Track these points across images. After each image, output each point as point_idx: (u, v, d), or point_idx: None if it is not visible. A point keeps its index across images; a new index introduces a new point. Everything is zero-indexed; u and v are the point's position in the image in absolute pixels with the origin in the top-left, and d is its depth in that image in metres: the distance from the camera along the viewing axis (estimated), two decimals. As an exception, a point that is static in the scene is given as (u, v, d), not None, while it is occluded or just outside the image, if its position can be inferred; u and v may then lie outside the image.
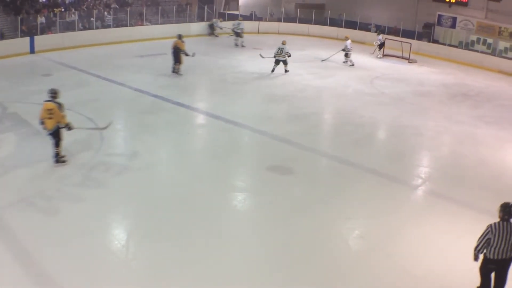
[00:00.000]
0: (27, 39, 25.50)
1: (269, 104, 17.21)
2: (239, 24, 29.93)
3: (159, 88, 17.89)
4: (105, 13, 30.79)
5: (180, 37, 20.75)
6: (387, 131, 15.75)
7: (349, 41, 23.92)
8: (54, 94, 11.21)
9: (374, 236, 9.07)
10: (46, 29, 27.64)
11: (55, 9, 28.84)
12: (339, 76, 22.03)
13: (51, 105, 10.98)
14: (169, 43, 28.36)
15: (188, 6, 35.01)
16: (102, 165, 11.33)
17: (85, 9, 30.23)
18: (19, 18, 26.08)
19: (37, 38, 25.51)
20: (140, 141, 12.99)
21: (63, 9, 29.37)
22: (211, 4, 37.27)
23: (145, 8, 32.49)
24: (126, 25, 30.35)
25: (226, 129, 14.18)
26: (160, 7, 32.84)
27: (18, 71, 21.35)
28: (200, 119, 15.31)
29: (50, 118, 10.93)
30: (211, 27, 33.17)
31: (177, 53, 20.37)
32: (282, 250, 8.43)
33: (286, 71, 21.59)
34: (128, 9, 31.24)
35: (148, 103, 16.25)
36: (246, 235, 9.00)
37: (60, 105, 11.16)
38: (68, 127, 11.27)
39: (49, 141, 11.45)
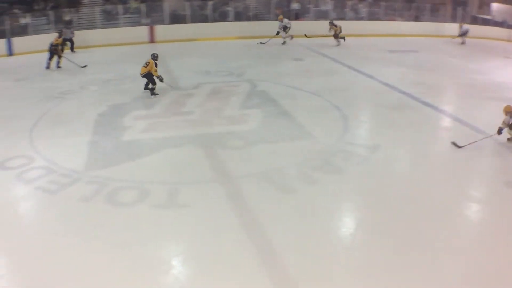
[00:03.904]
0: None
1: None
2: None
3: (407, 85, 17.27)
4: (359, 5, 30.93)
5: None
6: None
7: None
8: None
9: None
10: (300, 15, 28.51)
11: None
12: None
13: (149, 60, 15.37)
14: (420, 41, 27.81)
15: (441, 6, 33.88)
16: (343, 153, 11.14)
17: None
18: (272, 1, 27.22)
19: (292, 23, 26.41)
20: (382, 135, 12.61)
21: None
22: (465, 6, 35.64)
23: (399, 4, 32.05)
24: (379, 19, 30.21)
25: (470, 136, 13.24)
26: (414, 4, 32.17)
27: (271, 53, 22.27)
28: (445, 122, 14.52)
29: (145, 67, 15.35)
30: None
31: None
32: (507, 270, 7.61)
33: None
34: (383, 3, 31.06)
35: (395, 99, 15.77)
36: (472, 248, 8.01)
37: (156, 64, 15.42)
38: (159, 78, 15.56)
39: (297, 124, 12.69)
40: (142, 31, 26.40)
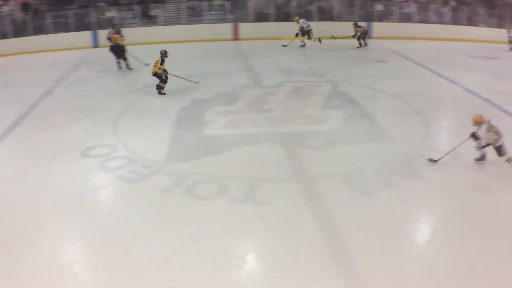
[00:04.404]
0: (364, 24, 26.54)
1: None
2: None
3: (489, 92, 16.66)
4: (443, 9, 30.34)
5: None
6: None
7: None
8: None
9: None
10: (383, 17, 28.29)
11: (393, -2, 29.40)
12: None
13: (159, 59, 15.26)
14: (502, 48, 26.75)
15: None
16: (423, 158, 10.93)
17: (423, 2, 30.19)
18: (356, 2, 27.13)
19: (375, 25, 26.27)
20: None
21: (401, -1, 29.80)
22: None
23: (480, 9, 31.19)
24: (462, 24, 29.53)
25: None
26: (496, 11, 31.23)
27: (353, 54, 22.14)
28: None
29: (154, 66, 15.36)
30: None
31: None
32: None
33: None
34: (466, 8, 30.37)
35: (476, 106, 15.20)
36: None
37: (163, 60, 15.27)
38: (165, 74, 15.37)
39: (377, 126, 12.94)
40: (226, 28, 26.84)
